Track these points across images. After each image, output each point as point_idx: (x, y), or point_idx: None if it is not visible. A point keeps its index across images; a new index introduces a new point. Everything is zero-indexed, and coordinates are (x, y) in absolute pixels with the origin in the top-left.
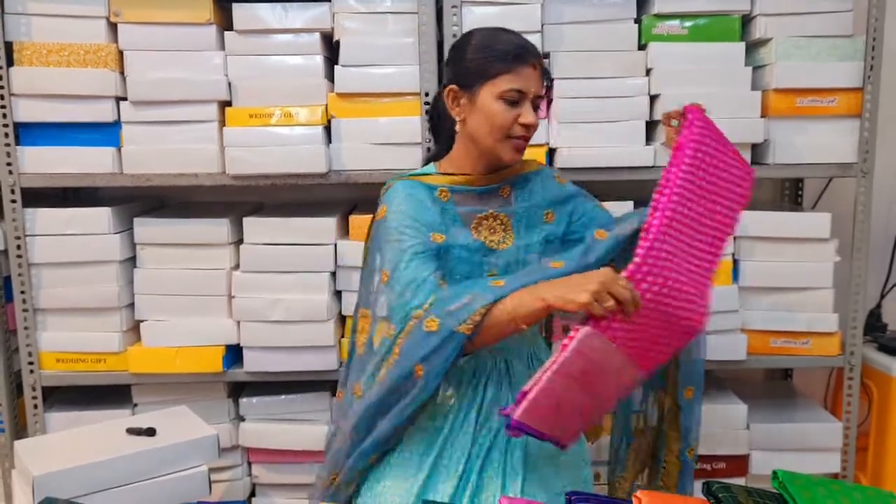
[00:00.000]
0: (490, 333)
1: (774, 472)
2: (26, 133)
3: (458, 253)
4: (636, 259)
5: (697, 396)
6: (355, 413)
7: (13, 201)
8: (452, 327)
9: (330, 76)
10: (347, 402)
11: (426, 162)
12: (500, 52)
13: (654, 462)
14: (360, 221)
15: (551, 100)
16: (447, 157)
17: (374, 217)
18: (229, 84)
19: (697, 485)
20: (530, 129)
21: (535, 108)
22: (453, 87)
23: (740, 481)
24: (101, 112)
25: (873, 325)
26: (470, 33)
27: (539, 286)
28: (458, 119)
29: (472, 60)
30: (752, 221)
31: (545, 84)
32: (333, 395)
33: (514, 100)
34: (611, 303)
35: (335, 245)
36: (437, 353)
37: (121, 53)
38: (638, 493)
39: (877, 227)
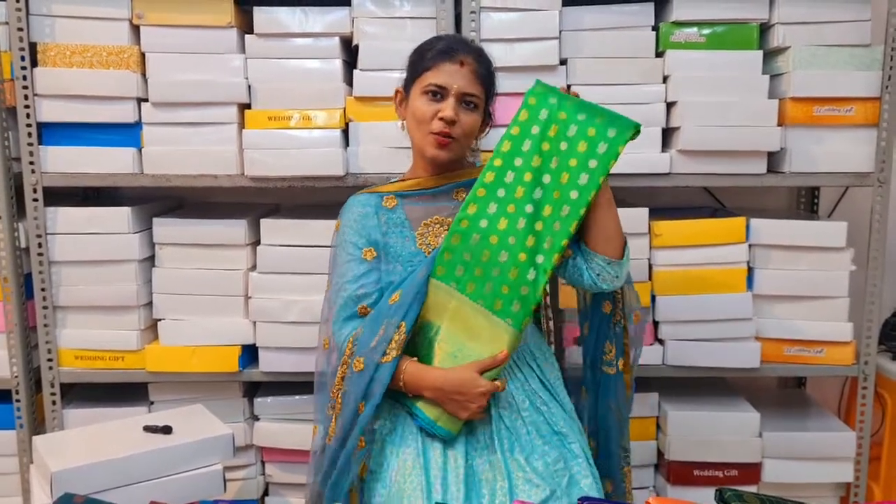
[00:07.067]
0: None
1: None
2: (49, 133)
3: (398, 258)
4: None
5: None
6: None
7: (35, 200)
8: (377, 361)
9: (348, 80)
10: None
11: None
12: (426, 51)
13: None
14: None
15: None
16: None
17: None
18: (249, 87)
19: (710, 491)
20: (451, 125)
21: (469, 106)
22: (399, 89)
23: (752, 489)
24: (123, 113)
25: (888, 334)
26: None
27: (434, 376)
28: (401, 120)
29: (409, 65)
30: (767, 229)
31: (486, 87)
32: None
33: (435, 93)
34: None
35: None
36: (371, 386)
37: (143, 55)
38: (650, 500)
39: (893, 237)
